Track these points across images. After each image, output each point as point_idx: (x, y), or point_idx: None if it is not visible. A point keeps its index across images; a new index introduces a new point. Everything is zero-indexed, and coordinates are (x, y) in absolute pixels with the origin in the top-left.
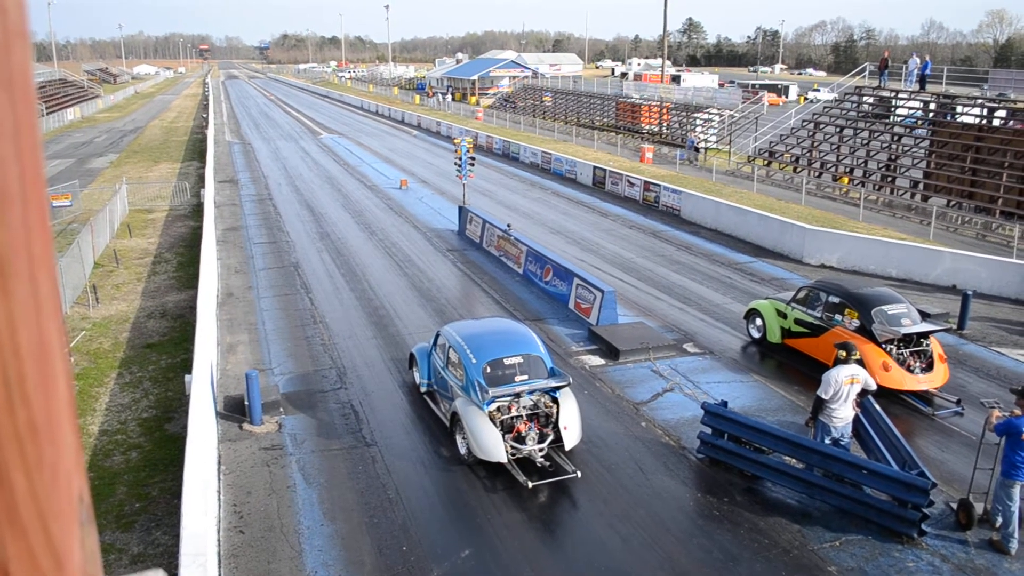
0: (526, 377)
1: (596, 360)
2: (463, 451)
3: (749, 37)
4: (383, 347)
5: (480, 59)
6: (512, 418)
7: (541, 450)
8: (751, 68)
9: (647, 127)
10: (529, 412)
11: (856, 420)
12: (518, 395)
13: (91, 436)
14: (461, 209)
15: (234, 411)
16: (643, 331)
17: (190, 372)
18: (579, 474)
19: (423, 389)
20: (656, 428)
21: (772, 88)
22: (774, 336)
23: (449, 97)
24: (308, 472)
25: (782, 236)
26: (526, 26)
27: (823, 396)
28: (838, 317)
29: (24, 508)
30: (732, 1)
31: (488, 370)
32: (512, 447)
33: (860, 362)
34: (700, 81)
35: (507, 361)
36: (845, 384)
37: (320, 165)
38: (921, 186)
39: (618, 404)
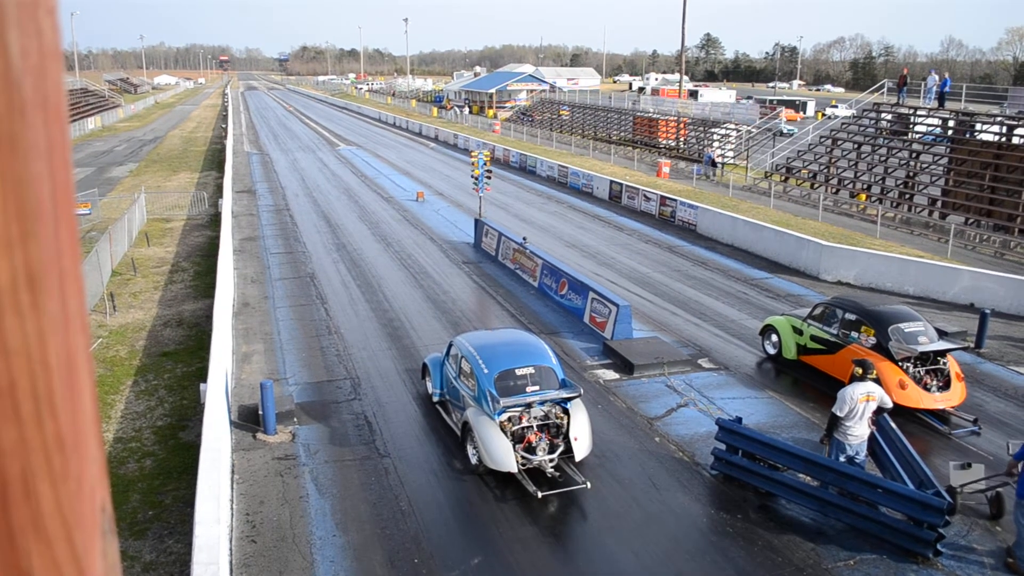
0: (537, 388)
1: (610, 374)
2: (474, 461)
3: (767, 53)
4: (397, 358)
5: (498, 72)
6: (523, 428)
7: (551, 460)
8: (769, 84)
9: (664, 142)
10: (540, 423)
11: (871, 438)
12: (529, 406)
13: (106, 444)
14: (477, 222)
15: (248, 420)
16: (658, 346)
17: (205, 381)
18: (588, 485)
19: (435, 399)
20: (670, 443)
21: (790, 104)
22: (789, 353)
23: (466, 110)
24: (321, 482)
25: (799, 252)
26: (544, 40)
27: (838, 413)
28: (854, 334)
29: (50, 519)
30: (750, 17)
31: (499, 380)
32: (523, 457)
33: (877, 380)
34: (718, 96)
35: (519, 372)
36: (860, 402)
37: (337, 176)
38: (939, 203)
39: (632, 419)
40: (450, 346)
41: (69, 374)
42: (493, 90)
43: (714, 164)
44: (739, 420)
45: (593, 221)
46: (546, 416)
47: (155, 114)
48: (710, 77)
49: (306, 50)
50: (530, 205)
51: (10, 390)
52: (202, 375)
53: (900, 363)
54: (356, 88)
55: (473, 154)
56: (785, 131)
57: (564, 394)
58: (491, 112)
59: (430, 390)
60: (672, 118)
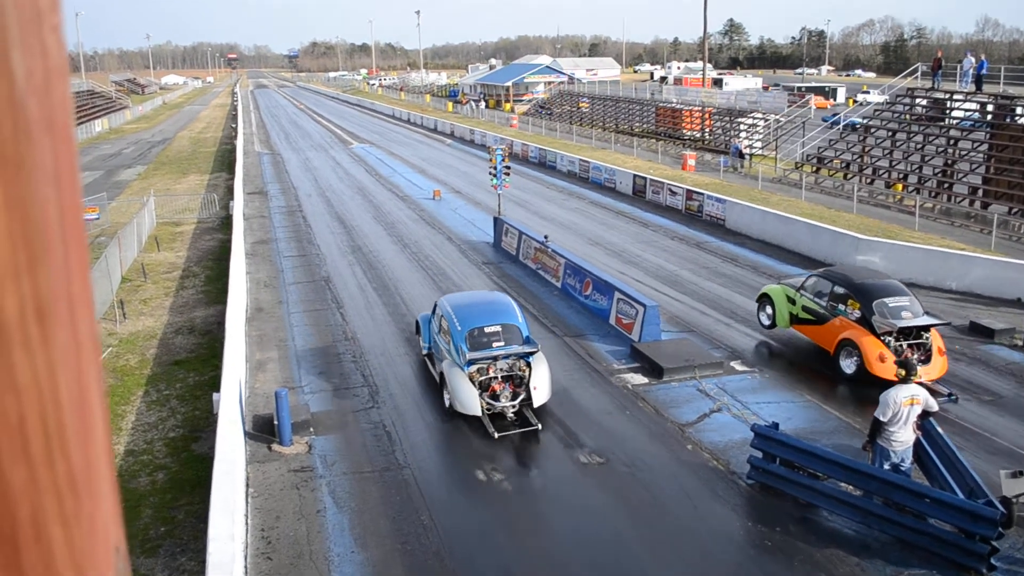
0: (503, 344)
1: (639, 378)
2: (447, 405)
3: (793, 38)
4: (417, 364)
5: (514, 64)
6: (489, 379)
7: (513, 407)
8: (796, 71)
9: (689, 133)
10: (505, 374)
11: (917, 444)
12: (495, 359)
13: (117, 457)
14: (496, 220)
15: (263, 431)
16: (688, 348)
17: (218, 390)
18: (540, 426)
19: (424, 352)
20: (703, 451)
21: (819, 91)
22: (783, 321)
23: (483, 104)
24: (339, 496)
25: (833, 247)
26: (561, 30)
27: (881, 418)
28: (841, 307)
29: (61, 562)
30: (775, 1)
31: (470, 336)
32: (488, 403)
33: (912, 377)
34: (743, 84)
35: (487, 329)
36: (904, 405)
37: (351, 176)
38: (980, 192)
39: (662, 425)
40: (435, 306)
41: (81, 409)
42: (509, 83)
43: (742, 155)
44: (776, 426)
45: (617, 217)
46: (511, 368)
47: (163, 115)
48: (734, 64)
49: (316, 46)
50: (551, 202)
51: (20, 428)
52: (215, 384)
53: (882, 337)
54: (368, 84)
55: (491, 150)
56: (847, 122)
57: (526, 349)
58: (508, 106)
59: (421, 344)
60: (696, 108)
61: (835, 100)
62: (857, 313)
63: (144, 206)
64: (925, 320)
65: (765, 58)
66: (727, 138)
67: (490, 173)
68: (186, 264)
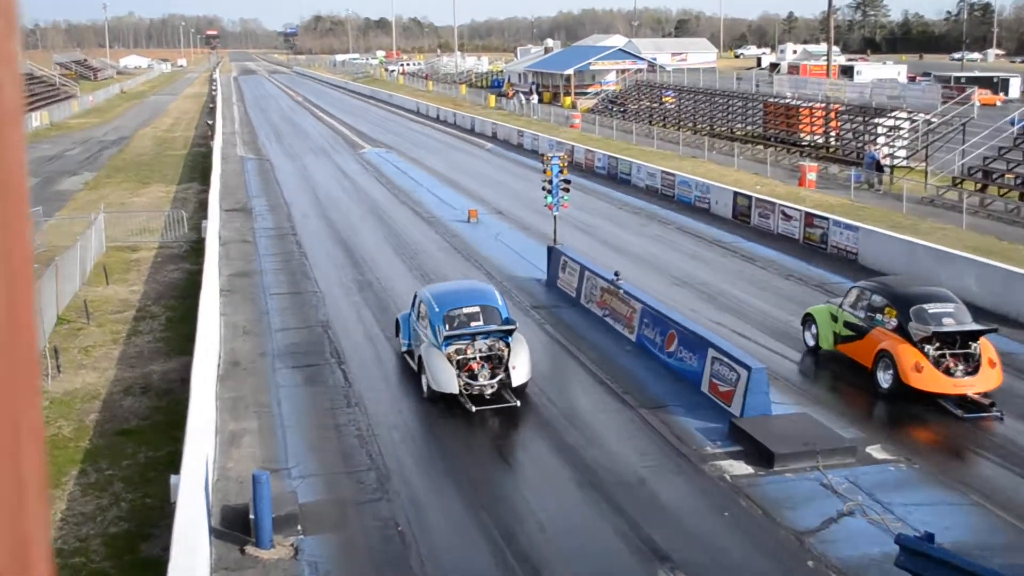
0: (480, 323)
1: (740, 467)
2: (425, 388)
3: (949, 13)
4: (443, 443)
5: (577, 47)
6: (467, 358)
7: (492, 386)
8: (953, 56)
9: (808, 137)
10: (484, 355)
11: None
12: (473, 339)
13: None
14: (551, 250)
15: (235, 527)
16: (808, 426)
17: (177, 472)
18: (519, 403)
19: (403, 349)
20: (829, 569)
21: (985, 82)
22: (826, 342)
23: (535, 98)
24: None
25: (1008, 292)
26: (639, 2)
27: None
28: (879, 317)
29: None
30: None
31: (448, 317)
32: (466, 383)
33: None
34: (881, 73)
35: (466, 310)
36: None
37: (361, 190)
38: None
39: (772, 533)
40: (415, 297)
41: (18, 492)
42: (571, 71)
43: (880, 168)
44: (930, 537)
45: (711, 248)
46: (490, 348)
47: (120, 107)
48: (869, 47)
49: (320, 21)
50: (623, 227)
51: None
52: (173, 463)
53: (921, 345)
54: (386, 70)
55: (545, 157)
56: None
57: (503, 327)
58: (568, 100)
59: (401, 342)
60: (818, 105)
61: (1006, 95)
62: (894, 322)
63: (91, 225)
64: (965, 327)
65: (911, 39)
66: (859, 145)
67: (543, 188)
68: (142, 302)
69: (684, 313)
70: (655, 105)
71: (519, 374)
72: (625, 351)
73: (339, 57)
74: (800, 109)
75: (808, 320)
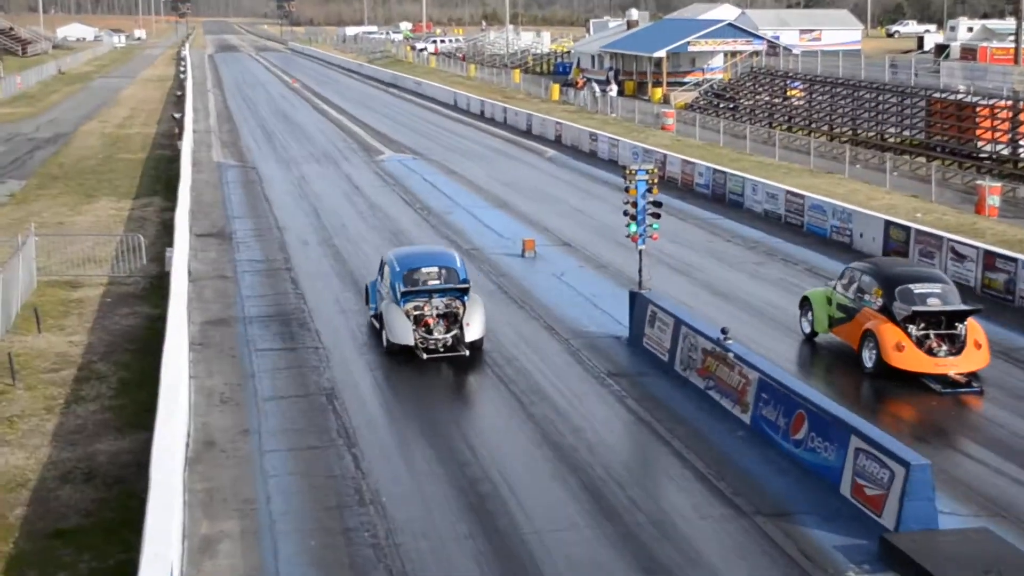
0: (438, 283)
1: None
2: (384, 343)
3: None
4: (489, 556)
5: (672, 20)
6: (423, 314)
7: (446, 341)
8: None
9: (988, 147)
10: (441, 312)
11: None
12: (430, 296)
13: None
14: (635, 297)
15: None
16: (988, 544)
17: None
18: (467, 353)
19: (371, 314)
20: None
21: None
22: (821, 326)
23: (613, 89)
24: None
25: None
26: None
27: None
28: (867, 297)
29: None
30: None
31: (407, 276)
32: (422, 337)
33: None
34: None
35: (425, 270)
36: None
37: (379, 210)
38: None
39: None
40: (381, 261)
41: None
42: (662, 53)
43: None
44: None
45: None
46: (447, 306)
47: (57, 92)
48: None
49: None
50: (733, 266)
51: None
52: None
53: (905, 325)
54: (413, 48)
55: (628, 171)
56: None
57: (458, 285)
58: (658, 93)
59: (369, 308)
60: (1003, 103)
61: None
62: (880, 301)
63: (17, 252)
64: (951, 306)
65: None
66: None
67: (625, 213)
68: (86, 357)
69: (817, 387)
70: (777, 101)
71: (472, 331)
72: (735, 436)
73: (350, 30)
74: (978, 108)
75: (805, 304)
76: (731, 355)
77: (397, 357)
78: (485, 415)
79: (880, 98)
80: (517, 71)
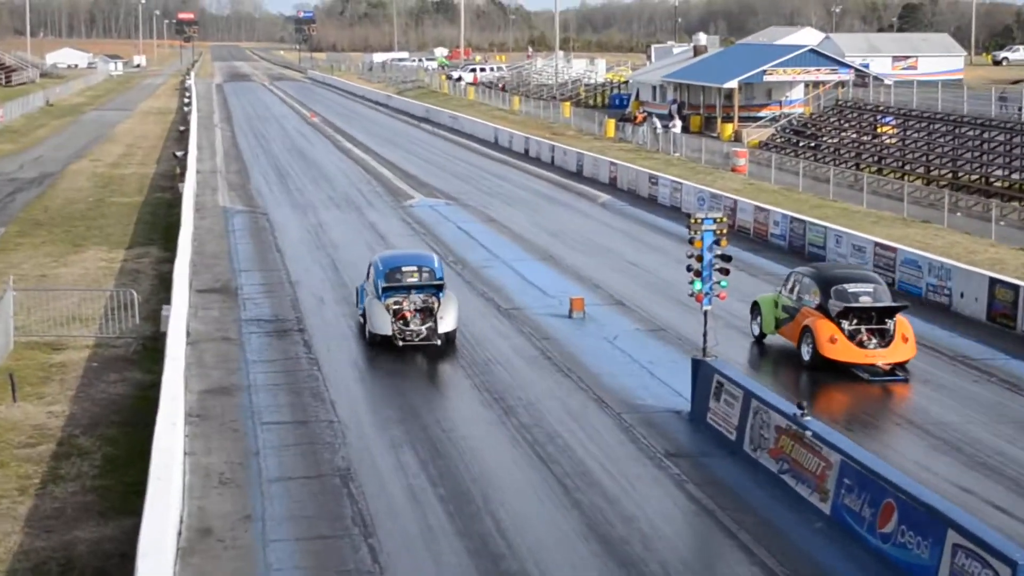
0: (416, 280)
1: None
2: (367, 334)
3: None
4: None
5: (745, 45)
6: (402, 308)
7: (421, 332)
8: None
9: None
10: (418, 307)
11: None
12: (408, 293)
13: None
14: (699, 366)
15: None
16: None
17: None
18: (439, 342)
19: (359, 313)
20: None
21: None
22: (769, 327)
23: (677, 125)
24: None
25: None
26: None
27: None
28: (806, 297)
29: None
30: None
31: (388, 275)
32: (400, 329)
33: None
34: None
35: (405, 269)
36: None
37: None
38: None
39: None
40: (369, 265)
41: None
42: (734, 83)
43: None
44: None
45: (953, 367)
46: (424, 302)
47: (45, 126)
48: None
49: (348, 3)
50: None
51: None
52: None
53: (838, 320)
54: (449, 77)
55: (692, 219)
56: None
57: (433, 283)
58: (729, 129)
59: (358, 310)
60: None
61: None
62: (817, 300)
63: None
64: (879, 303)
65: None
66: None
67: (689, 267)
68: (67, 430)
69: (908, 471)
70: (866, 138)
71: (446, 323)
72: (813, 528)
73: (377, 56)
74: None
75: (755, 309)
76: (809, 434)
77: (417, 431)
78: (524, 500)
79: (985, 135)
80: (567, 104)
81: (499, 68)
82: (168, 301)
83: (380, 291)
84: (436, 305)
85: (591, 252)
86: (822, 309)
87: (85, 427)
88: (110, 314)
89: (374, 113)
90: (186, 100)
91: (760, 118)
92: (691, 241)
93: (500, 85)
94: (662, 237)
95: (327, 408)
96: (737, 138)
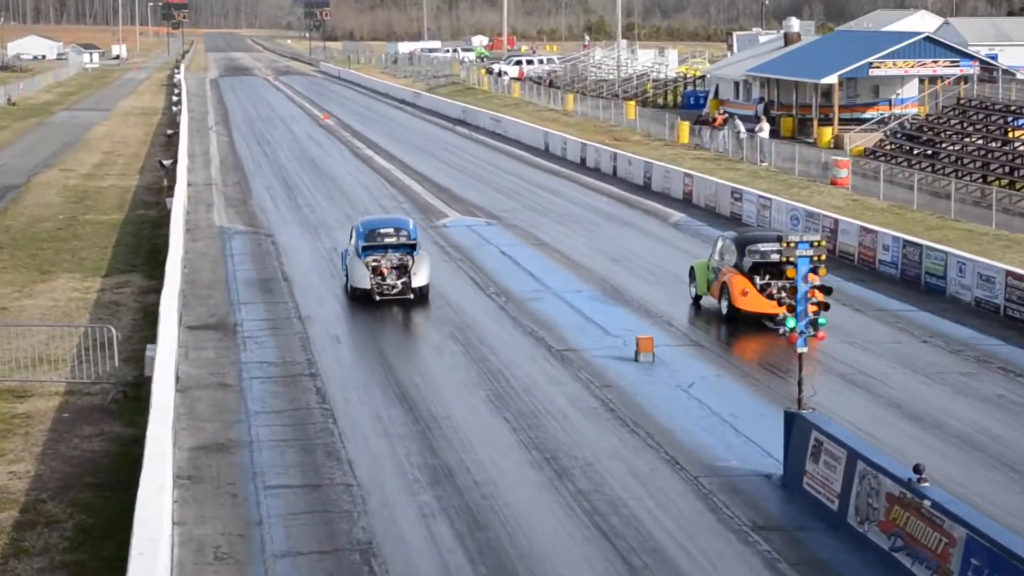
0: (394, 241)
1: None
2: (348, 289)
3: None
4: None
5: (845, 33)
6: (379, 265)
7: (396, 286)
8: None
9: None
10: (395, 264)
11: None
12: (385, 251)
13: None
14: (793, 420)
15: None
16: None
17: None
18: (412, 296)
19: (344, 273)
20: None
21: None
22: (702, 289)
23: (765, 128)
24: None
25: None
26: None
27: None
28: (727, 257)
29: None
30: None
31: (367, 235)
32: (378, 283)
33: None
34: None
35: (382, 231)
36: None
37: (437, 292)
38: None
39: None
40: (351, 228)
41: None
42: (833, 78)
43: None
44: None
45: None
46: (400, 260)
47: (6, 129)
48: None
49: None
50: (931, 377)
51: None
52: None
53: (751, 276)
54: (489, 71)
55: (785, 243)
56: None
57: (408, 242)
58: (827, 134)
59: (343, 270)
60: None
61: None
62: (734, 260)
63: None
64: (777, 256)
65: None
66: None
67: (780, 301)
68: (32, 494)
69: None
70: (995, 145)
71: (418, 278)
72: None
73: (404, 46)
74: None
75: (691, 273)
76: (927, 503)
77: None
78: (579, 572)
79: None
80: (632, 103)
81: (549, 60)
82: (153, 339)
83: (360, 250)
84: (410, 263)
85: (661, 282)
86: (738, 267)
87: (54, 491)
88: (84, 355)
89: (399, 114)
90: (175, 98)
91: (865, 120)
92: (783, 269)
93: (548, 80)
94: None
95: (344, 469)
96: (837, 144)
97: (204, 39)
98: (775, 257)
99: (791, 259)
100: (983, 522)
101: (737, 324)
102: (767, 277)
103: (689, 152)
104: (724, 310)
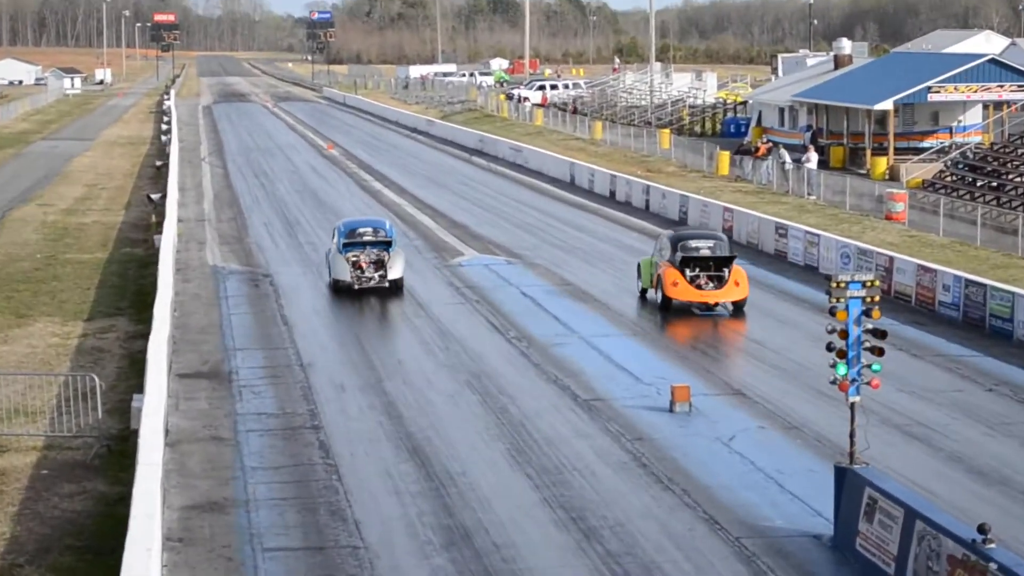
0: (371, 239)
1: None
2: (330, 281)
3: None
4: None
5: (901, 55)
6: (359, 260)
7: (373, 279)
8: None
9: None
10: (372, 260)
11: None
12: (364, 248)
13: None
14: (845, 476)
15: None
16: None
17: None
18: (387, 284)
19: (328, 269)
20: None
21: None
22: (647, 283)
23: (813, 158)
24: None
25: None
26: None
27: None
28: (664, 253)
29: None
30: None
31: (347, 234)
32: (357, 276)
33: None
34: None
35: (360, 230)
36: None
37: (451, 337)
38: None
39: None
40: (333, 228)
41: None
42: (888, 103)
43: None
44: None
45: None
46: (377, 256)
47: None
48: None
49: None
50: (995, 428)
51: None
52: None
53: (681, 268)
54: (509, 97)
55: (835, 283)
56: None
57: (384, 239)
58: (882, 164)
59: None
60: None
61: None
62: (668, 255)
63: None
64: (715, 254)
65: None
66: None
67: (830, 346)
68: (8, 558)
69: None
70: None
71: (394, 272)
72: None
73: (415, 70)
74: None
75: (638, 269)
76: (993, 567)
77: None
78: None
79: None
80: (666, 131)
81: (575, 85)
82: (140, 389)
83: (341, 246)
84: (387, 258)
85: (698, 326)
86: (671, 261)
87: (32, 554)
88: (64, 406)
89: (411, 143)
90: (164, 127)
91: (923, 149)
92: (832, 312)
93: (572, 107)
94: (793, 306)
95: (350, 530)
96: (892, 176)
97: (196, 62)
98: (705, 252)
99: (840, 299)
100: None
101: (785, 375)
102: (697, 269)
103: (729, 184)
104: (658, 299)
